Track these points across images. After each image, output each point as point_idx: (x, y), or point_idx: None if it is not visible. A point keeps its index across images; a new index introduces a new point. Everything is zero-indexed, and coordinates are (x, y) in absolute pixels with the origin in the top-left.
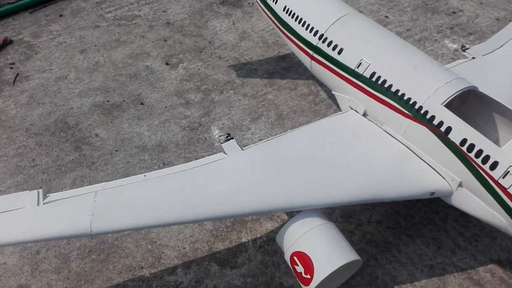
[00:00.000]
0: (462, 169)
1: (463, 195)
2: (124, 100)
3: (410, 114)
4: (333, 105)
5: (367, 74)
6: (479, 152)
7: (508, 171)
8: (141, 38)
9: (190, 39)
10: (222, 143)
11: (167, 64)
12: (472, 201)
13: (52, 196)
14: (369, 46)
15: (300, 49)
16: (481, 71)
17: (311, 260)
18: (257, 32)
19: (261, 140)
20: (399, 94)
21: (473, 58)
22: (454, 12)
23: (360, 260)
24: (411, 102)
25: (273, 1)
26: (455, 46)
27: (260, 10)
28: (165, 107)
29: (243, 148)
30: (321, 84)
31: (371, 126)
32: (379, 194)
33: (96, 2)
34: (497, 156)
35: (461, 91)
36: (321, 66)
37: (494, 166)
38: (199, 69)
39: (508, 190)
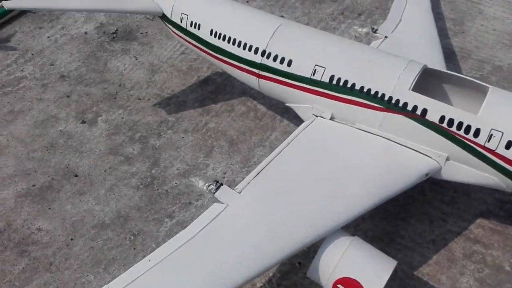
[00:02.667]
0: (447, 144)
1: (453, 167)
2: (52, 178)
3: (382, 107)
4: (277, 115)
5: (325, 79)
6: (460, 124)
7: (491, 134)
8: (38, 101)
9: (96, 87)
10: (214, 193)
11: (83, 122)
12: (463, 170)
13: None
14: (316, 52)
15: (241, 70)
16: (398, 47)
17: (359, 282)
18: (166, 62)
19: (225, 173)
20: (365, 90)
21: (386, 37)
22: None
23: (396, 262)
24: (379, 95)
25: (195, 27)
26: (365, 30)
27: (177, 38)
28: (105, 171)
29: (238, 191)
30: (256, 98)
31: (345, 128)
32: (386, 192)
33: None
34: (477, 123)
35: (420, 72)
36: (272, 82)
37: (477, 133)
38: (122, 118)
39: (496, 151)
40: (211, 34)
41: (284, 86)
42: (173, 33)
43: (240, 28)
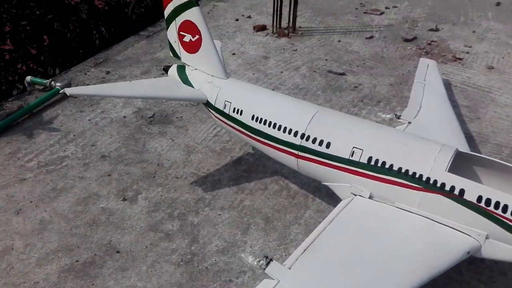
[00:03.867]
0: (486, 223)
1: (493, 246)
2: (95, 254)
3: (421, 187)
4: (309, 194)
5: (364, 160)
6: (497, 204)
7: None
8: (80, 179)
9: (135, 167)
10: (265, 268)
11: (124, 199)
12: (503, 249)
13: None
14: (353, 135)
15: (280, 151)
16: (423, 132)
17: None
18: (201, 143)
19: (262, 250)
20: (403, 171)
21: (409, 122)
22: (356, 87)
23: None
24: (417, 176)
25: (238, 112)
26: (389, 116)
27: (219, 122)
28: (146, 247)
29: (288, 267)
30: (287, 177)
31: (384, 206)
32: (432, 270)
33: (9, 153)
34: None
35: (453, 155)
36: (311, 162)
37: None
38: (161, 195)
39: None
40: (252, 119)
41: (323, 166)
42: (215, 118)
43: (280, 114)
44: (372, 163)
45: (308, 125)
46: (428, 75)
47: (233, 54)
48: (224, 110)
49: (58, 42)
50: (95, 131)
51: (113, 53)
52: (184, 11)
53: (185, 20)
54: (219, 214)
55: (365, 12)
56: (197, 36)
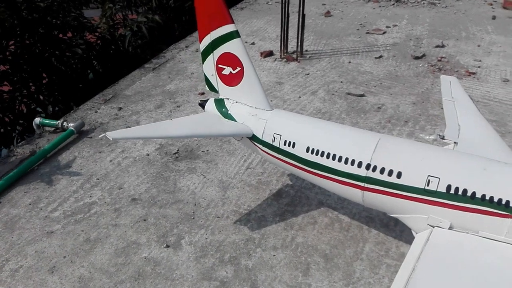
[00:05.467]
0: None
1: None
2: None
3: (509, 213)
4: (363, 225)
5: (442, 189)
6: None
7: None
8: (114, 227)
9: (171, 208)
10: None
11: (167, 246)
12: None
13: None
14: (425, 162)
15: (342, 184)
16: (474, 151)
17: None
18: (234, 177)
19: None
20: (487, 198)
21: (455, 143)
22: (379, 108)
23: None
24: (503, 203)
25: (289, 145)
26: (432, 137)
27: (266, 156)
28: None
29: None
30: (335, 208)
31: (469, 237)
32: None
33: (30, 203)
34: None
35: None
36: (379, 194)
37: None
38: (206, 238)
39: None
40: (307, 151)
41: (394, 198)
42: (262, 152)
43: (339, 144)
44: (452, 191)
45: (373, 155)
46: (454, 91)
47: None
48: (274, 144)
49: (58, 79)
50: (120, 172)
51: (120, 88)
52: (223, 44)
53: (225, 53)
54: (273, 255)
55: (367, 32)
56: (238, 68)
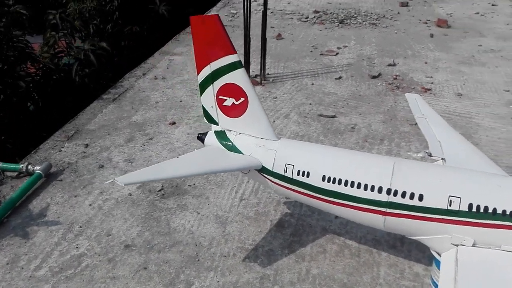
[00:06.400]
0: None
1: None
2: None
3: None
4: (372, 249)
5: (464, 208)
6: None
7: None
8: (113, 280)
9: (171, 252)
10: None
11: None
12: None
13: None
14: (444, 183)
15: (363, 210)
16: (465, 165)
17: None
18: (230, 211)
19: None
20: (508, 213)
21: (443, 159)
22: (353, 128)
23: None
24: None
25: (303, 175)
26: (420, 154)
27: (277, 187)
28: None
29: None
30: (340, 234)
31: (494, 253)
32: None
33: (7, 263)
34: None
35: None
36: (402, 218)
37: None
38: (218, 281)
39: None
40: (323, 179)
41: (417, 221)
42: (273, 184)
43: (355, 170)
44: (474, 209)
45: (392, 179)
46: (422, 108)
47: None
48: (286, 175)
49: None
50: (103, 217)
51: (82, 122)
52: (225, 74)
53: (226, 84)
54: None
55: (321, 54)
56: (242, 99)
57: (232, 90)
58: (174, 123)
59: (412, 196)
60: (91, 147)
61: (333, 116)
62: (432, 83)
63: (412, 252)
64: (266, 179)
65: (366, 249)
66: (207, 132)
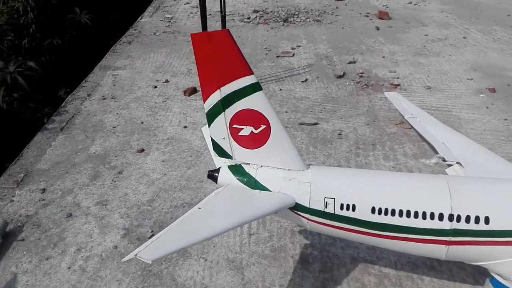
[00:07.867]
0: None
1: None
2: None
3: None
4: (412, 275)
5: None
6: None
7: None
8: None
9: None
10: None
11: None
12: None
13: None
14: (508, 199)
15: (423, 242)
16: (483, 172)
17: None
18: (242, 252)
19: None
20: None
21: (458, 163)
22: (339, 134)
23: None
24: None
25: (348, 209)
26: (434, 160)
27: (317, 226)
28: None
29: None
30: (373, 262)
31: None
32: None
33: None
34: None
35: None
36: (469, 246)
37: None
38: None
39: None
40: (373, 212)
41: (485, 246)
42: (311, 222)
43: (408, 197)
44: None
45: (452, 203)
46: (407, 107)
47: (185, 127)
48: (327, 210)
49: None
50: (90, 281)
51: (29, 161)
52: (240, 99)
53: (242, 110)
54: None
55: (278, 56)
56: (263, 126)
57: (250, 117)
58: (142, 150)
59: (477, 220)
60: (50, 192)
61: (315, 124)
62: (398, 77)
63: (453, 271)
64: (301, 217)
65: (406, 275)
66: (219, 168)
